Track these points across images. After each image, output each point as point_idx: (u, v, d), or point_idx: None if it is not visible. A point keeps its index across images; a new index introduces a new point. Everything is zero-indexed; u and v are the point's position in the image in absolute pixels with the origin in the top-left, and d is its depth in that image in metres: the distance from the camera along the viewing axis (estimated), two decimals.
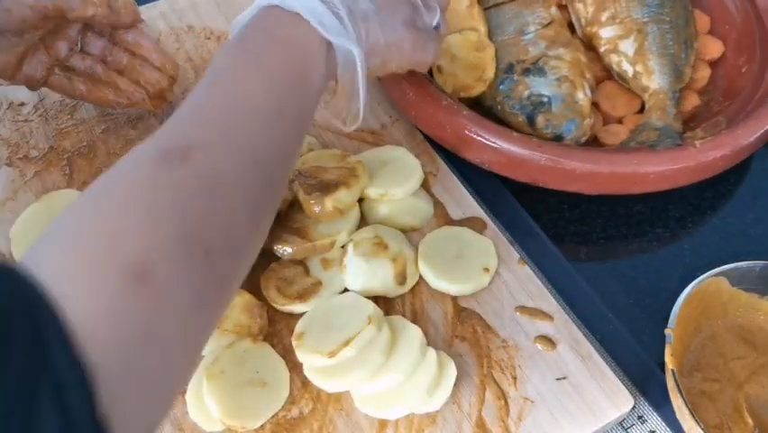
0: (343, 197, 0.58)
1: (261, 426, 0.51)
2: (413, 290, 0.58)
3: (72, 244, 0.34)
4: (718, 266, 0.54)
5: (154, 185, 0.37)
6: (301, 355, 0.51)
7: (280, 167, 0.45)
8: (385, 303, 0.56)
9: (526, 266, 0.59)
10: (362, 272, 0.56)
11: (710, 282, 0.53)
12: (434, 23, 0.56)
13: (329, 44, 0.47)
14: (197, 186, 0.38)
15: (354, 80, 0.50)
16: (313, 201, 0.57)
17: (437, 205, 0.63)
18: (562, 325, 0.56)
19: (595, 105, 0.69)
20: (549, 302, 0.57)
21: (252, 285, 0.56)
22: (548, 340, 0.55)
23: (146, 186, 0.37)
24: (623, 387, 0.53)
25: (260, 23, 0.47)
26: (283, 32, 0.47)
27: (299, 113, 0.47)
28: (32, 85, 0.62)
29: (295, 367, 0.53)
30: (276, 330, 0.55)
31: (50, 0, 0.57)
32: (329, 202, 0.57)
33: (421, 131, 0.67)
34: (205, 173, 0.38)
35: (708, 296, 0.54)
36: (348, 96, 0.51)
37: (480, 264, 0.58)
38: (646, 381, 0.55)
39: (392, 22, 0.52)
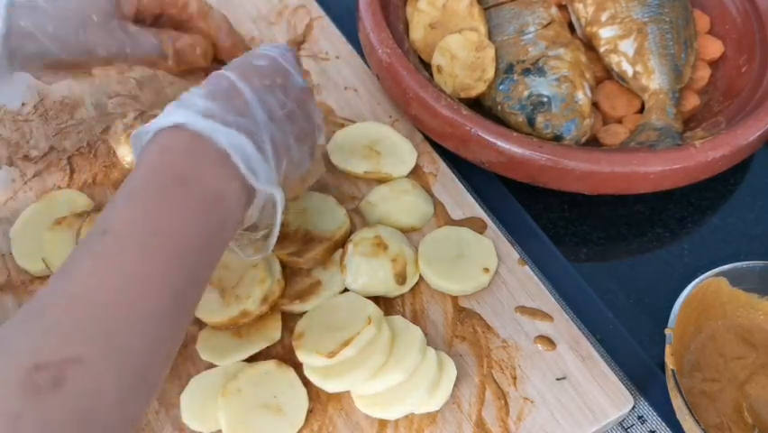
0: (321, 255, 0.57)
1: None
2: (413, 290, 0.58)
3: None
4: (718, 266, 0.54)
5: (14, 421, 0.32)
6: (301, 355, 0.51)
7: (167, 365, 0.39)
8: (385, 303, 0.57)
9: (526, 266, 0.59)
10: (362, 272, 0.56)
11: (710, 282, 0.54)
12: (320, 142, 0.53)
13: (251, 190, 0.43)
14: (69, 421, 0.33)
15: (270, 219, 0.46)
16: (296, 258, 0.56)
17: (437, 205, 0.63)
18: (562, 325, 0.56)
19: (595, 105, 0.69)
20: (549, 302, 0.57)
21: None
22: (548, 340, 0.55)
23: (5, 423, 0.32)
24: (623, 387, 0.53)
25: (171, 158, 0.41)
26: (201, 179, 0.41)
27: (201, 289, 0.42)
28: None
29: (295, 367, 0.53)
30: None
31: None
32: (309, 256, 0.57)
33: (421, 131, 0.67)
34: (80, 404, 0.33)
35: (708, 296, 0.54)
36: (253, 228, 0.47)
37: (480, 264, 0.58)
38: (646, 381, 0.55)
39: (304, 152, 0.49)
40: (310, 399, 0.52)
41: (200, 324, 0.54)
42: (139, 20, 0.55)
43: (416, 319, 0.56)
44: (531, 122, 0.65)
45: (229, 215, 0.42)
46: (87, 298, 0.36)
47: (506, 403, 0.52)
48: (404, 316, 0.56)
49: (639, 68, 0.68)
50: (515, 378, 0.53)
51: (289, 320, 0.55)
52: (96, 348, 0.35)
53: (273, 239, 0.47)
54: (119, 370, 0.35)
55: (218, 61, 0.59)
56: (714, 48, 0.73)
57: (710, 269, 0.54)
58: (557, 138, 0.64)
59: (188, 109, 0.42)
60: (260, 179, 0.43)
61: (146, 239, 0.39)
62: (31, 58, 0.52)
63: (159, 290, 0.38)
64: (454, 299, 0.57)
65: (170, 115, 0.42)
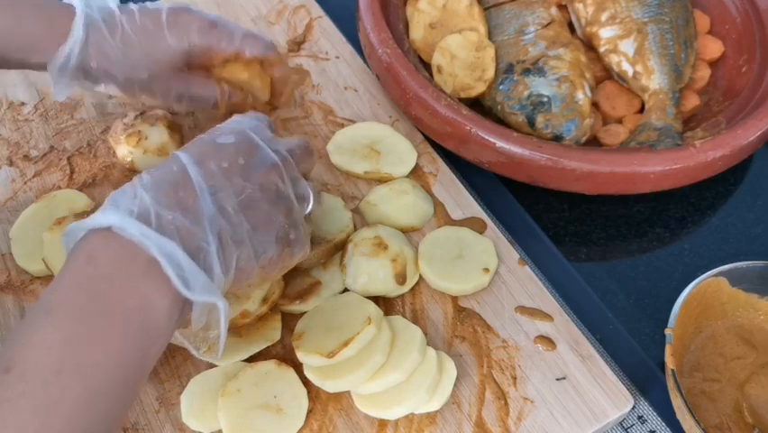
0: (319, 257, 0.57)
1: None
2: (413, 290, 0.58)
3: None
4: (718, 266, 0.54)
5: None
6: (301, 355, 0.51)
7: None
8: (385, 303, 0.57)
9: (526, 266, 0.59)
10: (362, 272, 0.56)
11: (710, 282, 0.54)
12: (307, 211, 0.49)
13: (186, 300, 0.40)
14: None
15: (215, 326, 0.43)
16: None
17: (437, 205, 0.63)
18: (562, 325, 0.56)
19: (595, 105, 0.69)
20: (549, 302, 0.57)
21: None
22: (548, 340, 0.55)
23: None
24: (623, 387, 0.53)
25: (95, 270, 0.38)
26: (125, 295, 0.38)
27: (117, 424, 0.38)
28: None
29: (295, 367, 0.53)
30: None
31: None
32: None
33: (421, 131, 0.67)
34: None
35: (708, 296, 0.54)
36: (203, 330, 0.44)
37: (480, 264, 0.58)
38: (646, 381, 0.55)
39: (266, 240, 0.44)
40: (310, 399, 0.52)
41: None
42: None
43: (415, 319, 0.56)
44: (531, 122, 0.65)
45: (155, 333, 0.39)
46: None
47: (506, 403, 0.52)
48: (404, 316, 0.56)
49: (639, 68, 0.68)
50: (515, 378, 0.53)
51: (289, 320, 0.55)
52: None
53: (221, 346, 0.44)
54: None
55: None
56: (714, 48, 0.73)
57: (710, 269, 0.54)
58: (557, 138, 0.64)
59: (122, 209, 0.40)
60: (194, 289, 0.39)
61: (51, 378, 0.35)
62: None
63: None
64: (454, 299, 0.57)
65: (104, 215, 0.39)
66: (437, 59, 0.68)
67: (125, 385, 0.38)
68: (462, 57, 0.68)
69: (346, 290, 0.57)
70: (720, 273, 0.54)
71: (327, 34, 0.76)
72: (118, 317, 0.38)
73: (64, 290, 0.38)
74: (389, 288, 0.56)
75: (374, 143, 0.65)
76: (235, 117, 0.49)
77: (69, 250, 0.40)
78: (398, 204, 0.61)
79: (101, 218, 0.39)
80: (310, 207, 0.49)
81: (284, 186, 0.46)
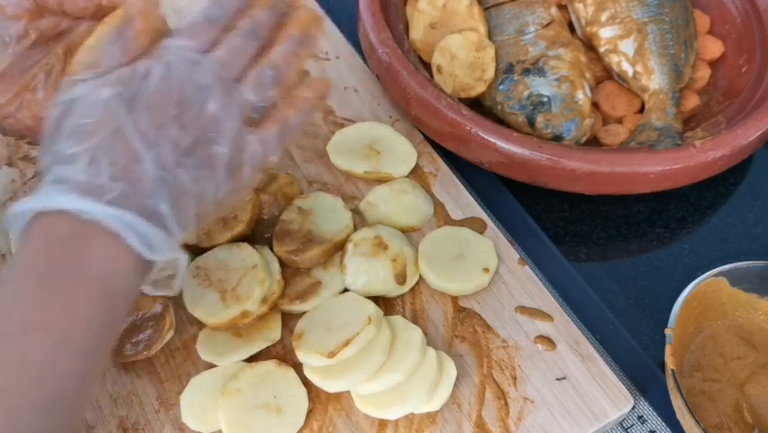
0: (319, 256, 0.57)
1: None
2: (413, 290, 0.58)
3: None
4: (718, 266, 0.54)
5: None
6: (301, 355, 0.51)
7: None
8: (385, 303, 0.57)
9: (526, 266, 0.59)
10: (362, 272, 0.56)
11: (710, 282, 0.54)
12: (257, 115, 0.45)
13: (149, 260, 0.40)
14: None
15: (174, 279, 0.43)
16: (294, 257, 0.57)
17: (437, 205, 0.63)
18: (562, 325, 0.56)
19: (595, 105, 0.69)
20: (549, 302, 0.57)
21: None
22: (548, 340, 0.55)
23: None
24: (623, 387, 0.53)
25: (53, 246, 0.38)
26: (88, 265, 0.38)
27: (89, 383, 0.38)
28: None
29: (295, 367, 0.53)
30: None
31: None
32: (306, 256, 0.57)
33: (421, 131, 0.67)
34: None
35: (708, 296, 0.54)
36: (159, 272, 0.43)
37: (480, 264, 0.58)
38: (646, 381, 0.55)
39: (217, 178, 0.42)
40: (310, 399, 0.52)
41: (200, 324, 0.54)
42: None
43: (415, 319, 0.56)
44: (531, 122, 0.65)
45: (121, 297, 0.39)
46: None
47: (506, 403, 0.52)
48: (404, 316, 0.56)
49: (639, 68, 0.68)
50: (515, 378, 0.53)
51: (289, 320, 0.55)
52: None
53: (178, 283, 0.43)
54: None
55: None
56: (714, 48, 0.73)
57: (710, 269, 0.54)
58: (557, 138, 0.64)
59: (69, 190, 0.38)
60: (158, 250, 0.39)
61: (18, 336, 0.35)
62: None
63: (31, 402, 0.35)
64: (454, 299, 0.57)
65: (50, 196, 0.38)
66: (437, 59, 0.68)
67: (94, 347, 0.38)
68: (462, 57, 0.68)
69: (346, 289, 0.57)
70: (720, 273, 0.54)
71: (327, 34, 0.76)
72: (81, 285, 0.37)
73: (24, 264, 0.37)
74: (389, 288, 0.56)
75: (374, 143, 0.65)
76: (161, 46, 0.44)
77: (19, 230, 0.39)
78: (398, 204, 0.61)
79: (49, 201, 0.38)
80: (260, 107, 0.45)
81: (223, 111, 0.42)
